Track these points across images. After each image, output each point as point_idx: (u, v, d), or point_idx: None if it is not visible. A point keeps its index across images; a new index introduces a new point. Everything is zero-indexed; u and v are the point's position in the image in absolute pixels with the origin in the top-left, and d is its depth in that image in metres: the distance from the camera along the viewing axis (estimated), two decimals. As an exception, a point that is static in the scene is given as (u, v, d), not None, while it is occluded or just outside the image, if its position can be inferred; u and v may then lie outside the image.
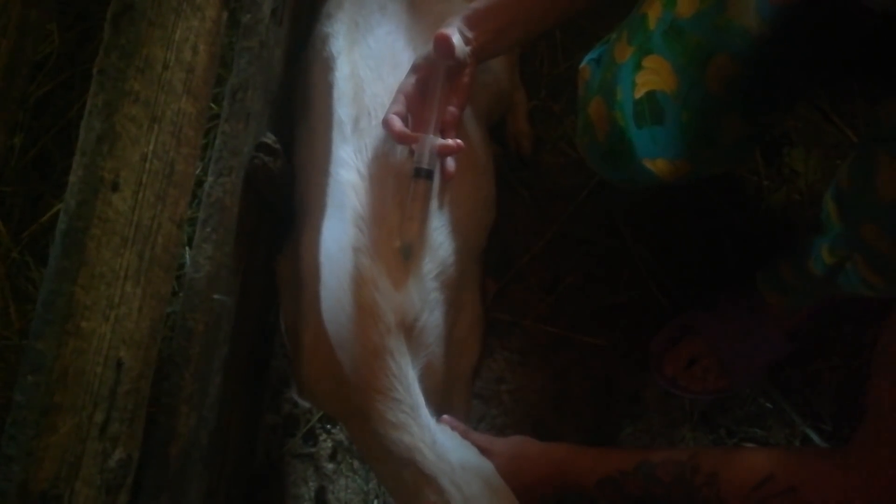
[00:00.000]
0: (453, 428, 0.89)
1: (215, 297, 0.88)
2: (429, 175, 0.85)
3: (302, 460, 1.15)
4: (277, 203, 1.01)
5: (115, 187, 0.66)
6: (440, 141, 0.85)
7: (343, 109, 0.92)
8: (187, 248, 1.01)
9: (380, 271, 0.83)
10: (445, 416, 0.90)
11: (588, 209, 1.25)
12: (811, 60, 0.77)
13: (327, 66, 0.97)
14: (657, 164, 0.85)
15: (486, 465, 0.85)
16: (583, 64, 0.95)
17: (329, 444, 1.16)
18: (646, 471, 0.83)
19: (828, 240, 0.84)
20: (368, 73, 0.93)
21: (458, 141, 0.85)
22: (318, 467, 1.15)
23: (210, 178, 0.89)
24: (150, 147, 0.71)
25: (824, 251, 0.86)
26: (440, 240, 0.89)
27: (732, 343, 1.09)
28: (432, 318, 0.87)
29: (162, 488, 0.79)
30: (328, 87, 0.95)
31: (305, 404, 1.16)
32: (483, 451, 0.89)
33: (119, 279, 0.68)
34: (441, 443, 0.81)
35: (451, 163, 0.87)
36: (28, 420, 0.59)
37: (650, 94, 0.81)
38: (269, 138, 0.96)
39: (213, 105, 0.98)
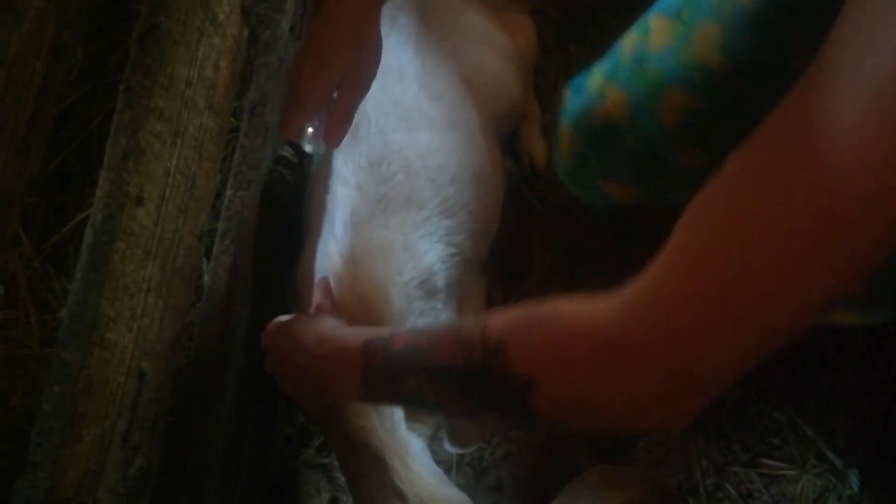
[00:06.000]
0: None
1: (233, 308, 0.89)
2: None
3: (316, 471, 1.16)
4: (295, 215, 1.03)
5: (139, 202, 0.67)
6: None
7: None
8: (205, 260, 1.03)
9: (354, 276, 0.84)
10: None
11: (602, 222, 1.25)
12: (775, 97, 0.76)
13: None
14: (608, 185, 0.86)
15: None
16: (566, 87, 0.97)
17: (343, 454, 1.17)
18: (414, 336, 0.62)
19: None
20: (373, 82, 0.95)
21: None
22: (332, 478, 1.15)
23: (229, 192, 0.91)
24: (173, 162, 0.73)
25: None
26: (425, 247, 0.89)
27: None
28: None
29: (179, 497, 0.80)
30: None
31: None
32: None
33: (142, 291, 0.70)
34: (400, 431, 0.83)
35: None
36: (54, 429, 0.61)
37: (605, 119, 0.82)
38: (287, 151, 0.97)
39: (232, 119, 1.00)
